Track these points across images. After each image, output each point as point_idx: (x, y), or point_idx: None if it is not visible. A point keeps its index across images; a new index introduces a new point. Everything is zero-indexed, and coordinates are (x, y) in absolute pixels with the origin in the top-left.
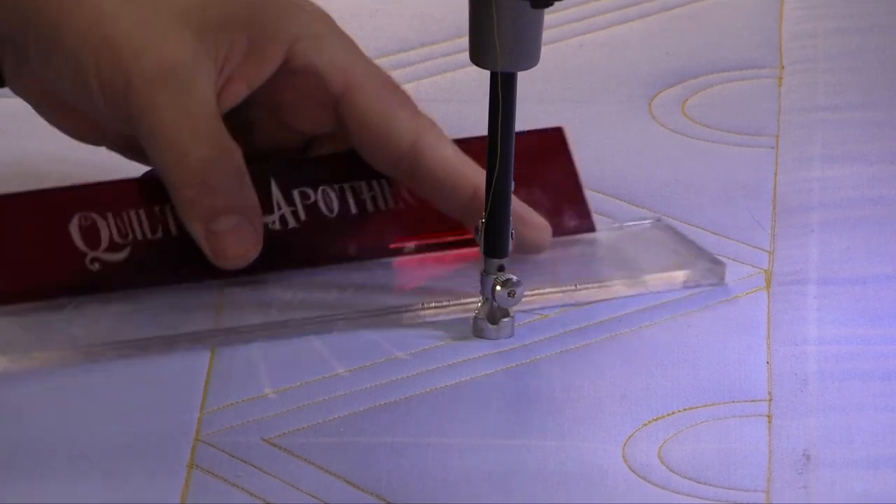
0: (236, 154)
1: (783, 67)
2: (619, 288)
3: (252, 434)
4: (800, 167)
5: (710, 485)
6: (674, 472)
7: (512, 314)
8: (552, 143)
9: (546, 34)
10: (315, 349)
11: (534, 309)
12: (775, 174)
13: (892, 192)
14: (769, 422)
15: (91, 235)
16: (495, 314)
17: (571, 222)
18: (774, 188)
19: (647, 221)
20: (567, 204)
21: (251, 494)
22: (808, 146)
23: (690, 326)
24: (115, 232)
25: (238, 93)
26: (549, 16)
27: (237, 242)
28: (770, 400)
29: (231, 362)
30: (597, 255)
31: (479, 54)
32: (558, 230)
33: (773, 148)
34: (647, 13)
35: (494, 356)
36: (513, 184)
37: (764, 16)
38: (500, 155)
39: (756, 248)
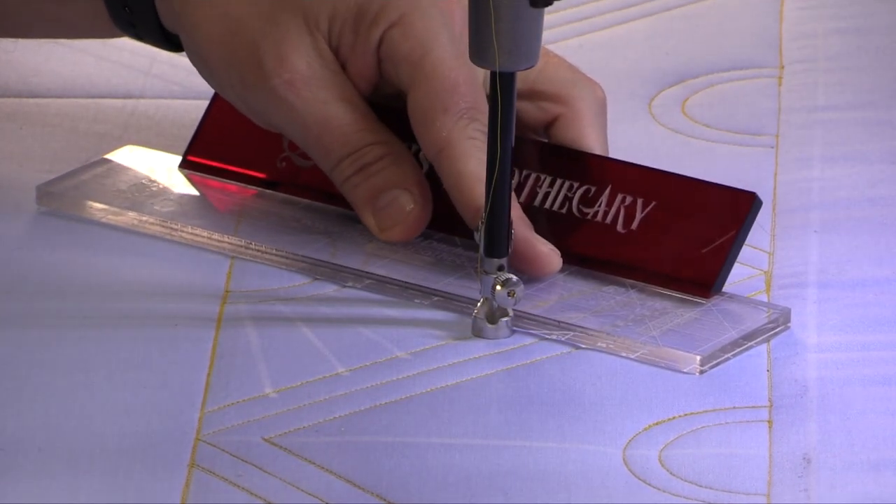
0: (382, 139)
1: (783, 67)
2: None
3: (253, 433)
4: (800, 167)
5: (710, 488)
6: (674, 475)
7: (510, 314)
8: (735, 203)
9: (546, 34)
10: (315, 348)
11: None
12: (775, 174)
13: (892, 193)
14: (770, 427)
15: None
16: (494, 314)
17: (688, 281)
18: (774, 188)
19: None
20: (698, 263)
21: (252, 494)
22: (808, 146)
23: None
24: None
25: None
26: (549, 16)
27: (396, 217)
28: (770, 406)
29: (231, 361)
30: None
31: (478, 53)
32: (672, 284)
33: (772, 148)
34: (647, 13)
35: (495, 356)
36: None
37: (764, 16)
38: (499, 155)
39: (756, 248)
